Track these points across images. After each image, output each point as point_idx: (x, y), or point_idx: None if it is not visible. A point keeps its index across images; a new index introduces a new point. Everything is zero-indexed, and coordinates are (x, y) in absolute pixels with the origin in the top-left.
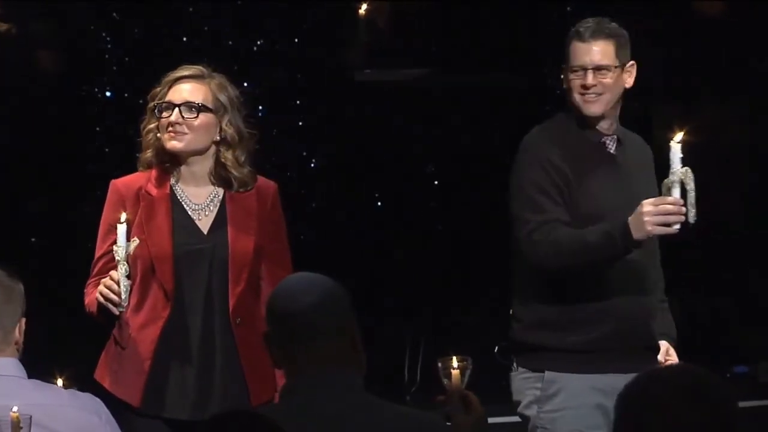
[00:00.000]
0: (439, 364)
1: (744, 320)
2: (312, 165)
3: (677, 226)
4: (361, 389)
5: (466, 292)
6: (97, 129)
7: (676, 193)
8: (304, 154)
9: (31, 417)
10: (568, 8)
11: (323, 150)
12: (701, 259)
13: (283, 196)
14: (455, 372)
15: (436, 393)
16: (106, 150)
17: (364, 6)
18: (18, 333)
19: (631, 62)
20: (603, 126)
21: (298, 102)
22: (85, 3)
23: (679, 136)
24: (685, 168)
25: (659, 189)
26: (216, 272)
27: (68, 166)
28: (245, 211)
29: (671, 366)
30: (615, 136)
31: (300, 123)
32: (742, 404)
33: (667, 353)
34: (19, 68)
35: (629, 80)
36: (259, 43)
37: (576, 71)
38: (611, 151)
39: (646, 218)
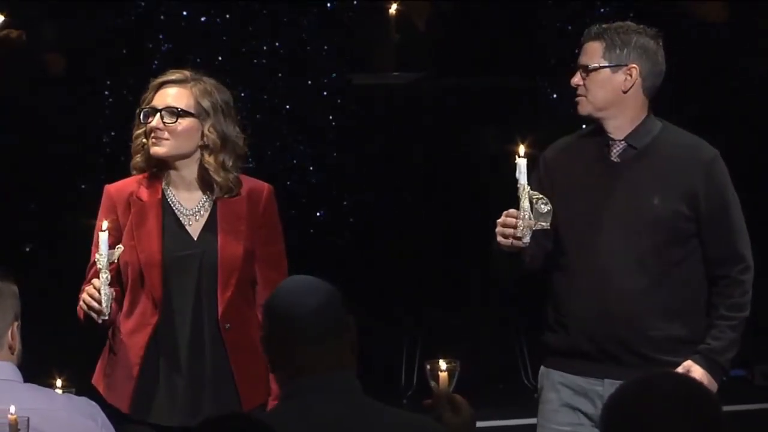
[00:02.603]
0: (427, 367)
1: None
2: (311, 168)
3: (526, 240)
4: (360, 392)
5: (465, 294)
6: (96, 132)
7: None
8: (304, 156)
9: (28, 419)
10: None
11: (322, 152)
12: None
13: (281, 199)
14: (443, 374)
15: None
16: (106, 147)
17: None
18: (11, 336)
19: (632, 65)
20: (610, 129)
21: (298, 105)
22: (83, 3)
23: (522, 150)
24: (523, 184)
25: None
26: (205, 278)
27: (67, 168)
28: (235, 215)
29: (658, 375)
30: (624, 142)
31: (299, 126)
32: (738, 408)
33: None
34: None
35: (624, 83)
36: (257, 46)
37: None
38: (612, 158)
39: (496, 230)
